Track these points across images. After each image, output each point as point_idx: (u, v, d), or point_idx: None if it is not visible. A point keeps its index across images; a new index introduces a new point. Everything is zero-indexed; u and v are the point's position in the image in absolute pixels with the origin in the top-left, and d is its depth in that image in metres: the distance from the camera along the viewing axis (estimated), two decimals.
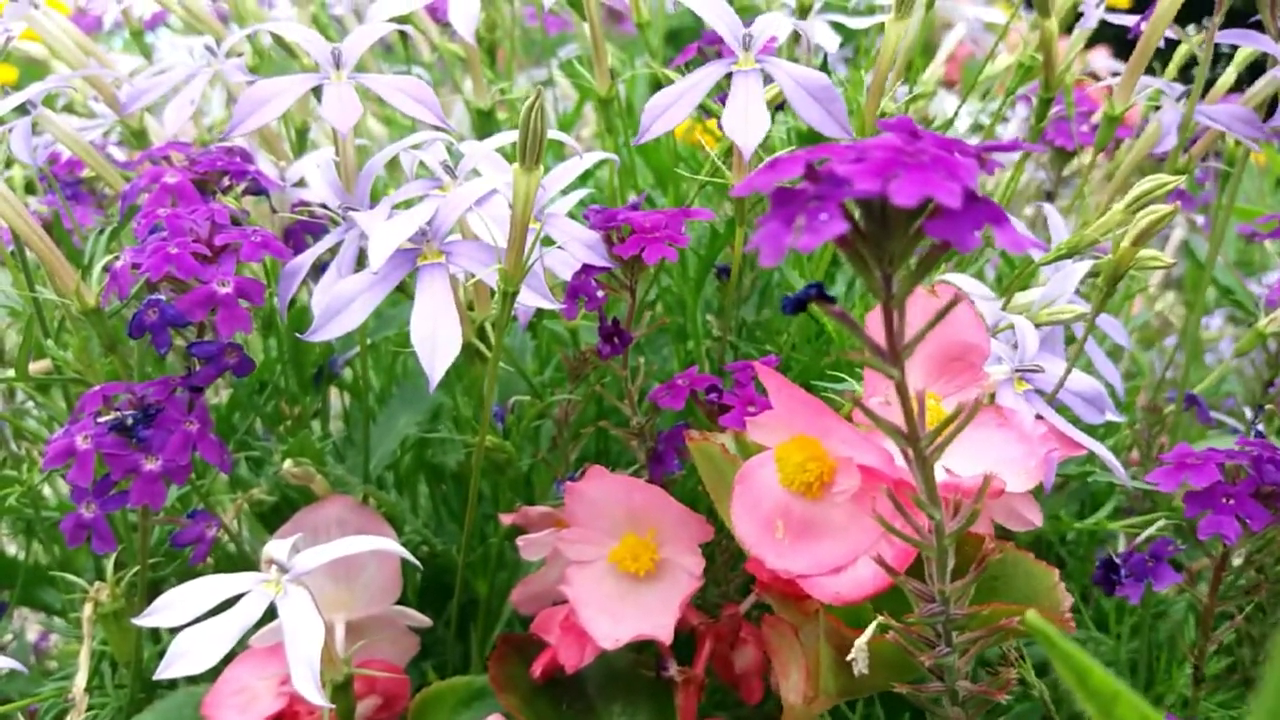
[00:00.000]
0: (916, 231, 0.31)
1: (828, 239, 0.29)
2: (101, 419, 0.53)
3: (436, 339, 0.46)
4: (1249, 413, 0.95)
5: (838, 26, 0.76)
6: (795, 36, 0.71)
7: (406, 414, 0.77)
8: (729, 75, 0.49)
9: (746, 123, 0.46)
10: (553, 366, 0.81)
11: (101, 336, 0.57)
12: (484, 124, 0.78)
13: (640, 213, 0.58)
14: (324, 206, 0.55)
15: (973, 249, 0.29)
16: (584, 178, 0.62)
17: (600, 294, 0.58)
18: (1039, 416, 0.52)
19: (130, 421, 0.52)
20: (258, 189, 0.62)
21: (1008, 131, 1.20)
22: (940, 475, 0.41)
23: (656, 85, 0.80)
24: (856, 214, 0.31)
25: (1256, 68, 0.80)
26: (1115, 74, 1.37)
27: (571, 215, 0.60)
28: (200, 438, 0.54)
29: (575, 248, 0.56)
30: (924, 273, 0.32)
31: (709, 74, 0.48)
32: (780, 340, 0.82)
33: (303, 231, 0.66)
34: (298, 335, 0.49)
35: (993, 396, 0.52)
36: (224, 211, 0.54)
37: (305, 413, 0.73)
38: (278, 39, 0.69)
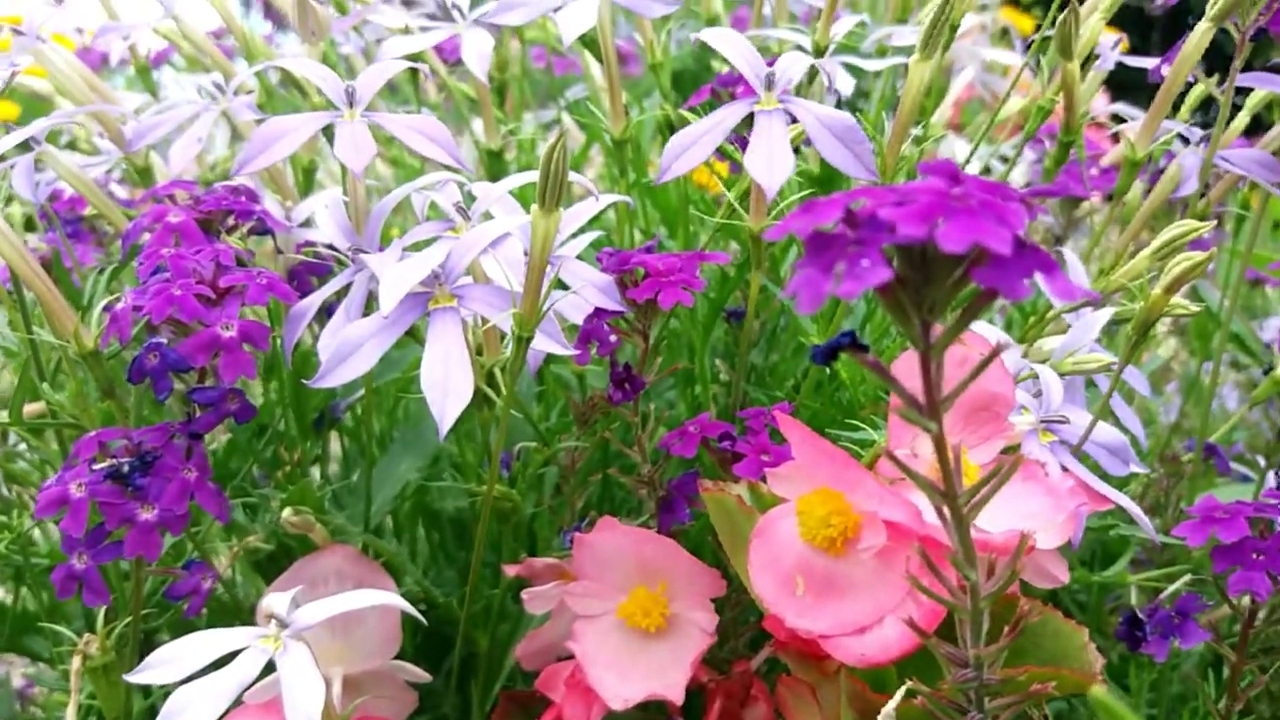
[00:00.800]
0: (958, 279, 0.30)
1: (870, 286, 0.27)
2: (97, 466, 0.51)
3: (448, 386, 0.44)
4: (1261, 461, 0.93)
5: (850, 68, 0.75)
6: (808, 78, 0.70)
7: (408, 459, 0.76)
8: (749, 115, 0.48)
9: (771, 164, 0.44)
10: (558, 412, 0.79)
11: (99, 380, 0.55)
12: (494, 165, 0.77)
13: (654, 255, 0.57)
14: (332, 248, 0.54)
15: (1023, 298, 0.28)
16: (592, 220, 0.61)
17: (613, 338, 0.56)
18: (1065, 468, 0.50)
19: (126, 469, 0.51)
20: (263, 229, 0.61)
21: (1016, 176, 1.19)
22: None
23: (662, 128, 0.80)
24: (895, 259, 0.30)
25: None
26: (1116, 117, 1.37)
27: (583, 258, 0.59)
28: (198, 486, 0.52)
29: (588, 291, 0.55)
30: (967, 322, 0.31)
31: (731, 113, 0.47)
32: (789, 385, 0.80)
33: (308, 273, 0.65)
34: (303, 381, 0.47)
35: (1017, 447, 0.51)
36: (229, 252, 0.52)
37: (305, 458, 0.71)
38: (288, 76, 0.68)
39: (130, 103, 0.96)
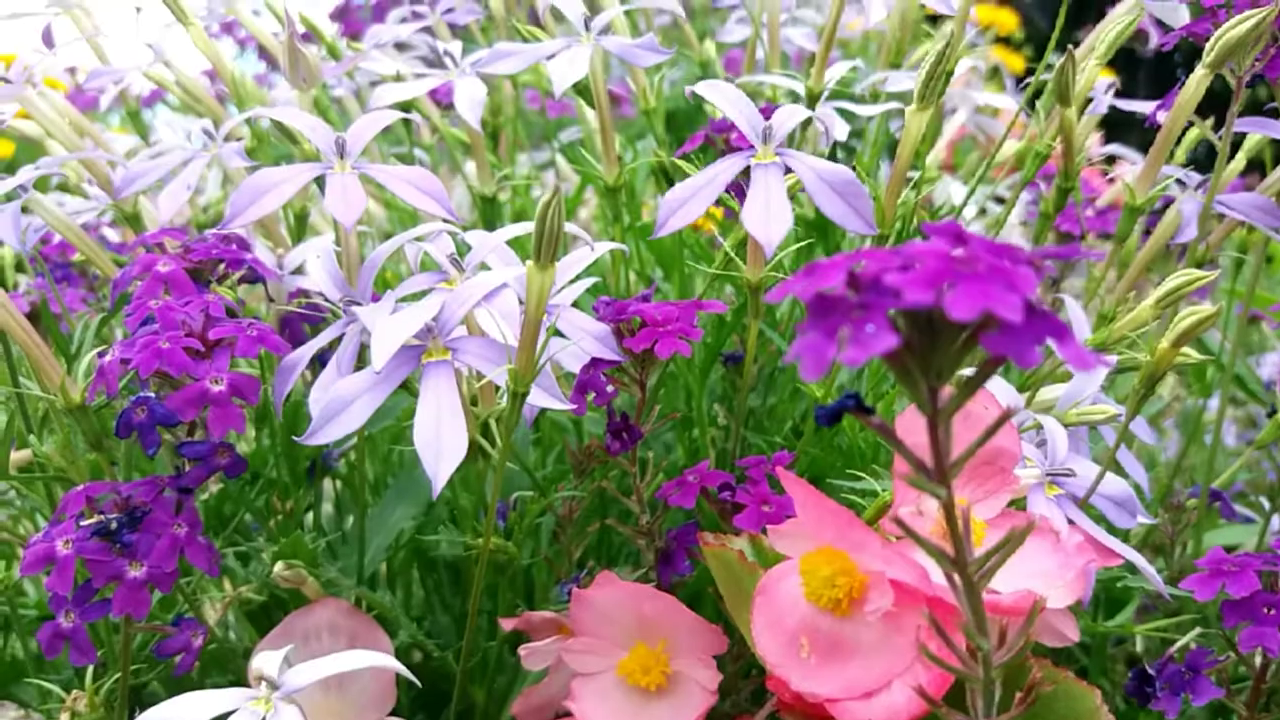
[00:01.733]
0: (965, 343, 0.29)
1: (876, 354, 0.27)
2: (84, 522, 0.50)
3: (442, 443, 0.43)
4: (1264, 503, 0.92)
5: (844, 114, 0.75)
6: (802, 124, 0.70)
7: (402, 506, 0.75)
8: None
9: (769, 219, 0.44)
10: (554, 458, 0.78)
11: (87, 433, 0.54)
12: (487, 209, 0.77)
13: (651, 304, 0.56)
14: (324, 298, 0.53)
15: (1035, 365, 0.27)
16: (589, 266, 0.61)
17: (610, 389, 0.55)
18: (1072, 522, 0.49)
19: (114, 525, 0.50)
20: (254, 277, 0.60)
21: (1013, 217, 1.19)
22: None
23: (656, 172, 0.79)
24: (900, 323, 0.29)
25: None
26: (1110, 158, 1.37)
27: (578, 305, 0.58)
28: (188, 541, 0.51)
29: (585, 341, 0.54)
30: (977, 387, 0.30)
31: (728, 167, 0.46)
32: (787, 429, 0.79)
33: (300, 321, 0.64)
34: (294, 439, 0.46)
35: (1023, 501, 0.50)
36: (219, 303, 0.51)
37: (298, 507, 0.70)
38: (278, 124, 0.68)
39: (122, 145, 0.96)
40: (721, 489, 0.58)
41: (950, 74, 0.68)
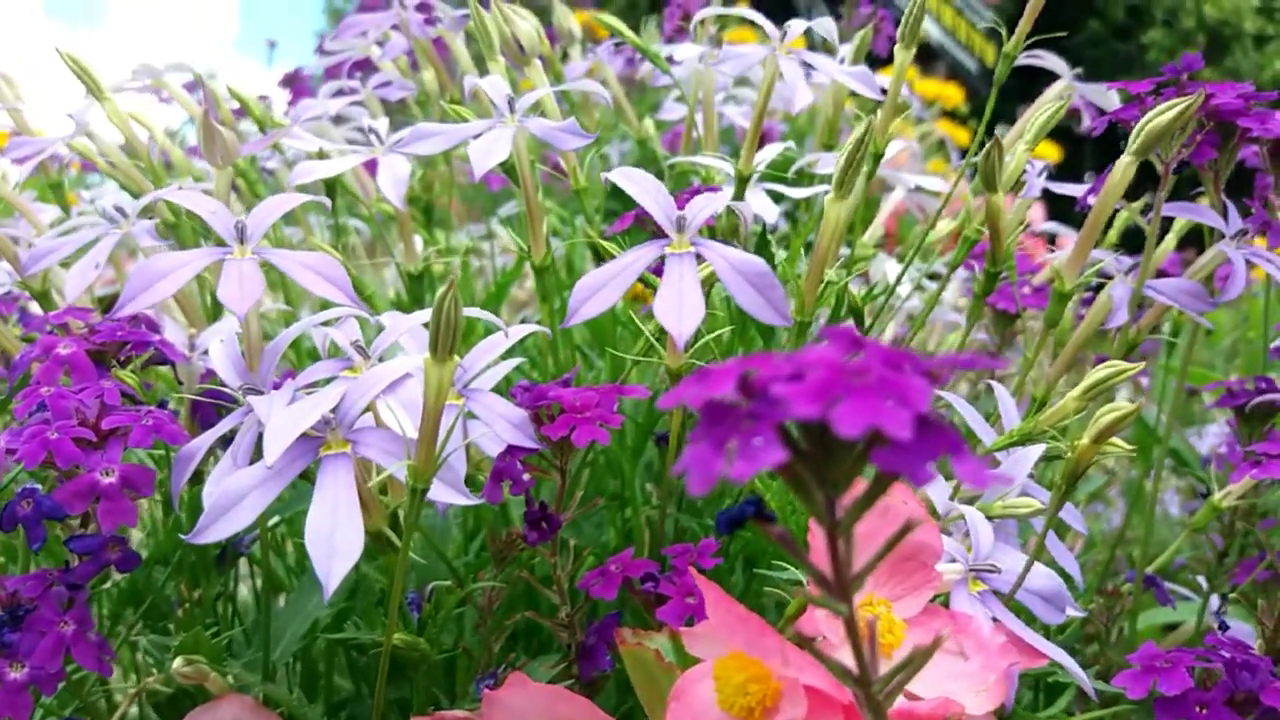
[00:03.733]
0: (860, 455, 0.28)
1: (764, 467, 0.25)
2: None
3: (335, 544, 0.41)
4: (1201, 581, 0.92)
5: (775, 195, 0.74)
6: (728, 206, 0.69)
7: (319, 593, 0.72)
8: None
9: (680, 311, 0.42)
10: (479, 543, 0.76)
11: None
12: (414, 286, 0.75)
13: (570, 390, 0.55)
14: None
15: (927, 483, 0.26)
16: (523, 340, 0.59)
17: (526, 477, 0.54)
18: (996, 620, 0.48)
19: None
20: (162, 359, 0.58)
21: (948, 295, 1.19)
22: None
23: (596, 248, 0.78)
24: (793, 435, 0.28)
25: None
26: (1050, 235, 1.38)
27: (499, 390, 0.57)
28: (75, 640, 0.48)
29: (501, 427, 0.52)
30: (873, 499, 0.28)
31: (640, 257, 0.45)
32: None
33: (212, 405, 0.62)
34: (181, 536, 0.44)
35: (946, 597, 0.49)
36: (114, 390, 0.49)
37: (208, 594, 0.67)
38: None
39: (46, 215, 0.93)
40: (644, 579, 0.56)
41: (880, 156, 0.68)
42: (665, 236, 0.47)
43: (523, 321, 1.19)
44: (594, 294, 0.44)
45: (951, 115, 3.29)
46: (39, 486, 0.46)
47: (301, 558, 0.81)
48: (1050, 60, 0.84)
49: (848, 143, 0.48)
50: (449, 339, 0.39)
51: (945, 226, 0.88)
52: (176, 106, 1.62)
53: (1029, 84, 0.92)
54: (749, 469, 0.25)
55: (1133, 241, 0.90)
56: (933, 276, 1.14)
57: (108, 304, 1.15)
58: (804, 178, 0.77)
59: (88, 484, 0.46)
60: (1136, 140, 0.57)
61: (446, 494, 0.44)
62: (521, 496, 0.69)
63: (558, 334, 0.70)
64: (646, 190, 0.46)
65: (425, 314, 0.50)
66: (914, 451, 0.25)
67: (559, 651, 0.75)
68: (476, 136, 0.57)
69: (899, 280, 0.77)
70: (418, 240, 0.83)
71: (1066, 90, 0.87)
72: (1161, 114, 0.56)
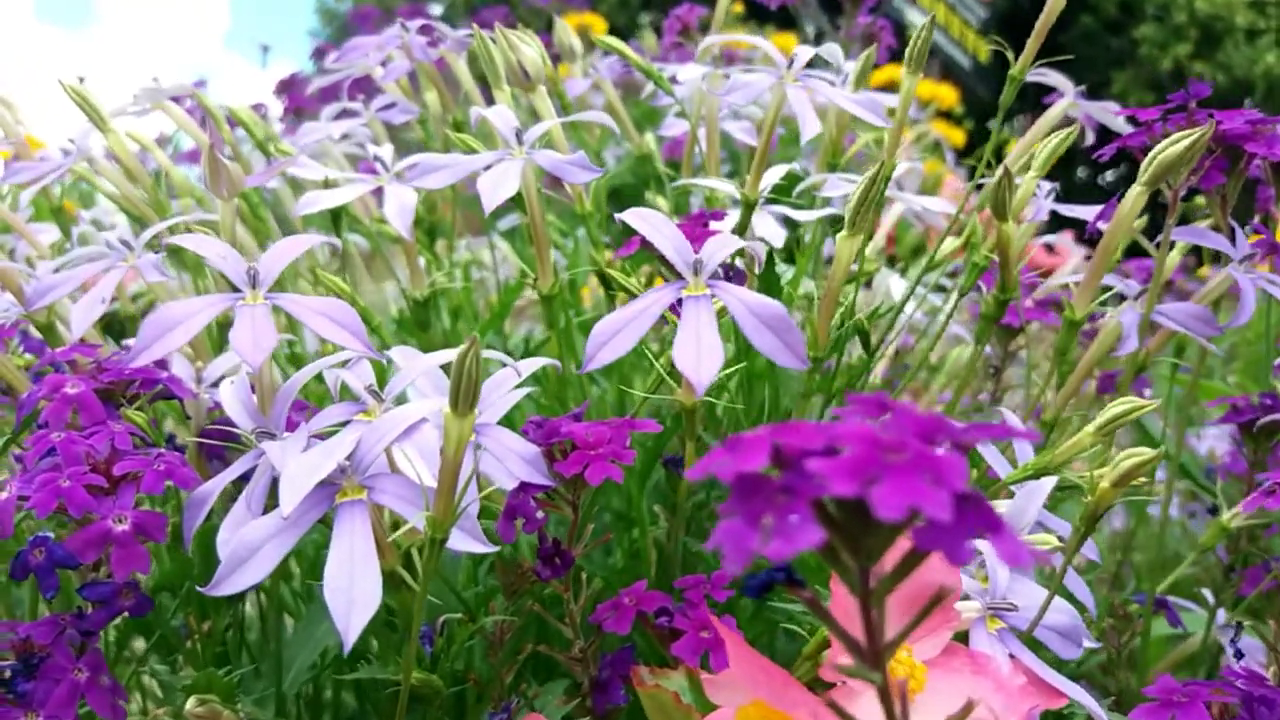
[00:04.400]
0: (899, 527, 0.28)
1: (802, 548, 0.25)
2: None
3: (354, 594, 0.41)
4: (1208, 594, 0.92)
5: (782, 218, 0.74)
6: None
7: (328, 621, 0.71)
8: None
9: (699, 356, 0.42)
10: (487, 569, 0.76)
11: None
12: (419, 312, 0.75)
13: (582, 425, 0.55)
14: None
15: (965, 562, 0.25)
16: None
17: (540, 514, 0.53)
18: (1012, 656, 0.48)
19: (9, 674, 0.46)
20: (170, 395, 0.58)
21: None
22: None
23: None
24: (828, 508, 0.27)
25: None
26: (1049, 246, 1.37)
27: (510, 421, 0.56)
28: (89, 687, 0.48)
29: (514, 463, 0.52)
30: (908, 571, 0.28)
31: (658, 300, 0.44)
32: None
33: (223, 437, 0.61)
34: (199, 589, 0.44)
35: (965, 635, 0.48)
36: (125, 434, 0.49)
37: (217, 626, 0.67)
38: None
39: (46, 236, 0.92)
40: (659, 614, 0.56)
41: (888, 179, 0.68)
42: (670, 284, 0.47)
43: (527, 335, 1.18)
44: (611, 338, 0.44)
45: (946, 116, 3.29)
46: (50, 535, 0.46)
47: (309, 580, 0.81)
48: (1054, 78, 0.84)
49: (862, 181, 0.48)
50: (470, 395, 0.38)
51: (950, 246, 0.88)
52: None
53: (1024, 87, 0.92)
54: (786, 549, 0.25)
55: (1131, 249, 0.90)
56: (939, 289, 1.14)
57: (105, 324, 1.14)
58: (810, 201, 0.76)
59: (100, 532, 0.46)
60: (1147, 171, 0.57)
61: (466, 543, 0.44)
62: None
63: (563, 354, 0.70)
64: (660, 231, 0.46)
65: (440, 355, 0.50)
66: (953, 531, 0.25)
67: (569, 676, 0.75)
68: (485, 169, 0.57)
69: (905, 299, 0.77)
70: (420, 262, 0.83)
71: (1070, 107, 0.87)
72: (1173, 145, 0.56)
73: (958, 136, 3.07)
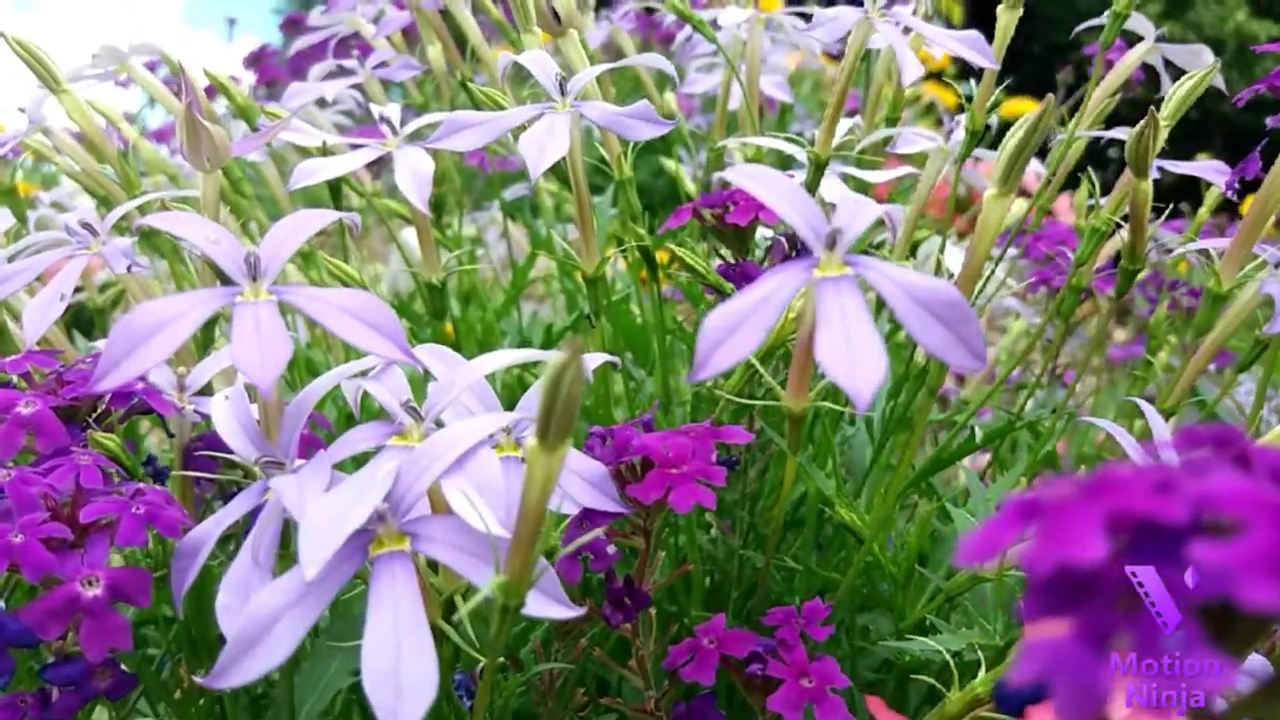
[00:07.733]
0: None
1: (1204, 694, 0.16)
2: None
3: (401, 679, 0.31)
4: None
5: (850, 180, 0.64)
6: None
7: (338, 658, 0.62)
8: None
9: (853, 359, 0.31)
10: None
11: None
12: (434, 297, 0.65)
13: (655, 436, 0.45)
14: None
15: None
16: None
17: (611, 549, 0.44)
18: None
19: None
20: (146, 409, 0.48)
21: (1000, 273, 1.10)
22: None
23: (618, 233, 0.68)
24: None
25: None
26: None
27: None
28: None
29: (576, 486, 0.42)
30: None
31: (784, 283, 0.34)
32: (796, 546, 0.68)
33: (211, 453, 0.51)
34: (200, 683, 0.34)
35: None
36: (93, 467, 0.39)
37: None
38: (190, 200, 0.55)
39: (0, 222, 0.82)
40: (750, 660, 0.47)
41: (979, 134, 0.59)
42: (793, 260, 0.37)
43: (534, 316, 1.08)
44: (730, 335, 0.33)
45: (936, 77, 3.20)
46: (1, 604, 0.36)
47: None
48: (1137, 21, 0.75)
49: (1015, 131, 0.38)
50: (566, 423, 0.28)
51: (1019, 208, 0.79)
52: (135, 89, 1.48)
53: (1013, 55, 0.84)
54: (1172, 688, 0.16)
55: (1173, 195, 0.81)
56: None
57: (72, 317, 1.03)
58: (872, 163, 0.66)
59: (66, 599, 0.36)
60: None
61: (546, 608, 0.34)
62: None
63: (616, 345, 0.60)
64: (781, 195, 0.35)
65: (488, 362, 0.40)
66: None
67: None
68: (524, 126, 0.47)
69: (989, 276, 0.68)
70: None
71: (1151, 51, 0.78)
72: None
73: (950, 98, 2.98)
